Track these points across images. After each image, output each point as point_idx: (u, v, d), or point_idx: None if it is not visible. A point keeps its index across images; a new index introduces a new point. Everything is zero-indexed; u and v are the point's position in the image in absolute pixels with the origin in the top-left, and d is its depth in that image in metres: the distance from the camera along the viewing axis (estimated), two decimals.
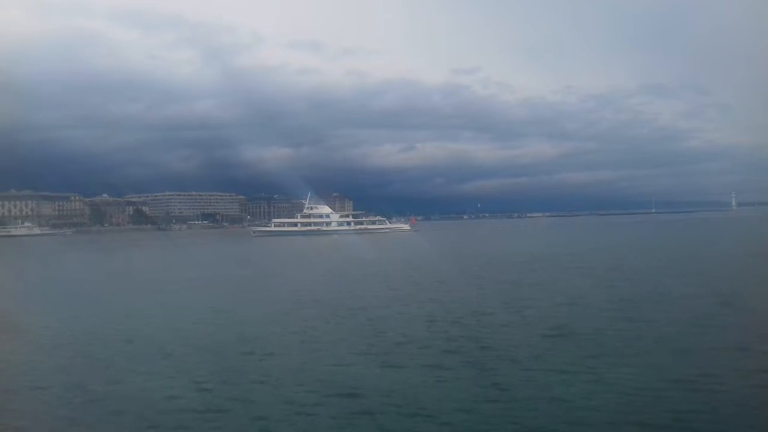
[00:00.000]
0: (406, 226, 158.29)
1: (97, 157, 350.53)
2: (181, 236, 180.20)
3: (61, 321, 25.70)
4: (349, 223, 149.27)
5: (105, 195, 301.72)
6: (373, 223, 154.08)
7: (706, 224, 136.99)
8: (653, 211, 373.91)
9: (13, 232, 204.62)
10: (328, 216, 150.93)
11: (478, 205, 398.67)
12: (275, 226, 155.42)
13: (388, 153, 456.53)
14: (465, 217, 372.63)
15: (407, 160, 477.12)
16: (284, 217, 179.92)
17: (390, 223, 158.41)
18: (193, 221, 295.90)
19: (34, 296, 34.62)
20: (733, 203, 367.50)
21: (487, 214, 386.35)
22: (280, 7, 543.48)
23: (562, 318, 22.88)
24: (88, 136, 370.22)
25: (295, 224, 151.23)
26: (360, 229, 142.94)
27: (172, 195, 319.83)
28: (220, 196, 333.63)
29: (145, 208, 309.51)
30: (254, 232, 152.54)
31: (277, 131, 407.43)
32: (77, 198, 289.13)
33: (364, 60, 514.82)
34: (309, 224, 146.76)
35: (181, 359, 18.10)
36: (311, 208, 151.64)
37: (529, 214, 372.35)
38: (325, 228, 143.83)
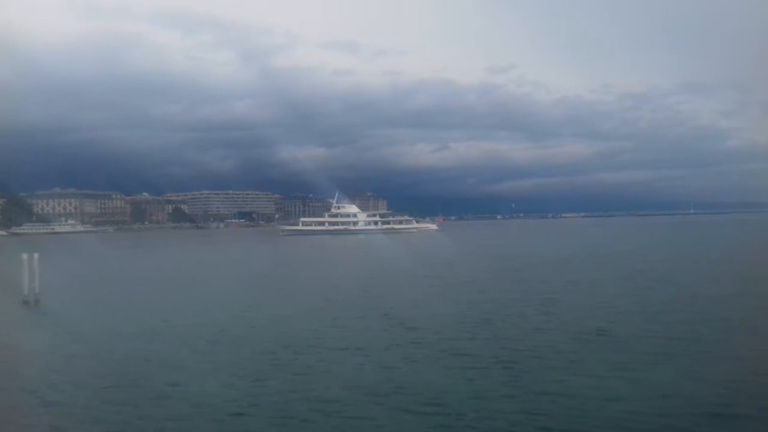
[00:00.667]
0: (434, 226, 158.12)
1: (138, 157, 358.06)
2: (219, 234, 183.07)
3: (109, 316, 26.82)
4: (376, 223, 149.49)
5: (145, 193, 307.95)
6: (400, 222, 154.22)
7: (745, 226, 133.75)
8: (691, 212, 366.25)
9: (57, 229, 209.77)
10: (355, 215, 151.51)
11: (512, 206, 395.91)
12: (303, 225, 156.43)
13: (421, 153, 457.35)
14: (498, 217, 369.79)
15: (441, 159, 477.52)
16: (318, 216, 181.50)
17: (417, 222, 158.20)
18: (230, 219, 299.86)
19: (87, 293, 35.90)
20: None
21: (521, 215, 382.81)
22: (316, 9, 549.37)
23: (593, 322, 23.04)
24: (129, 136, 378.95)
25: (323, 223, 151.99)
26: (387, 228, 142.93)
27: (209, 194, 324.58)
28: (256, 195, 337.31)
29: (183, 207, 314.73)
30: (282, 231, 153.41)
31: (312, 131, 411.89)
32: (119, 196, 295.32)
33: (399, 60, 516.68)
34: (336, 223, 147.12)
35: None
36: (338, 208, 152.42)
37: (563, 215, 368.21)
38: (352, 227, 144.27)
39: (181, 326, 23.67)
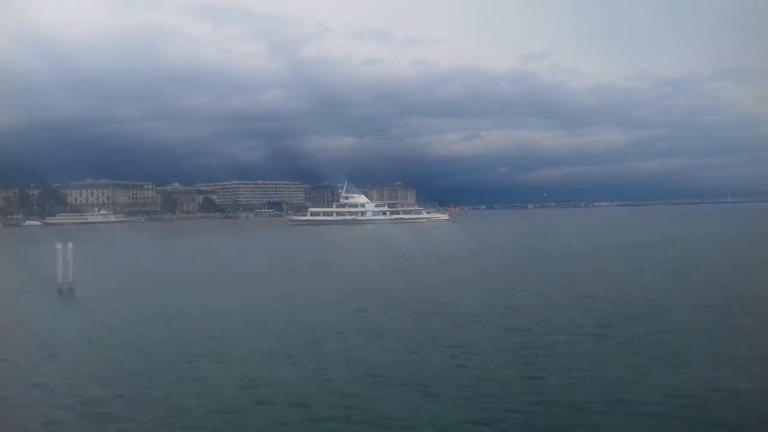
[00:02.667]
0: (444, 216, 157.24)
1: (169, 148, 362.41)
2: (248, 224, 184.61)
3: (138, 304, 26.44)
4: (384, 213, 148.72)
5: (176, 184, 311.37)
6: (410, 212, 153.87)
7: None
8: (728, 200, 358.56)
9: (90, 219, 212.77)
10: (363, 205, 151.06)
11: (544, 194, 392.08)
12: (311, 215, 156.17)
13: (451, 142, 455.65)
14: (530, 206, 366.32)
15: (471, 148, 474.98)
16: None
17: (427, 212, 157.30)
18: (260, 209, 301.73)
19: (119, 282, 35.66)
20: None
21: (552, 204, 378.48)
22: None
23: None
24: (161, 127, 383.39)
25: (331, 213, 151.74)
26: (395, 218, 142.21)
27: (239, 184, 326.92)
28: (285, 184, 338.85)
29: (213, 197, 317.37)
30: (291, 221, 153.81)
31: (341, 121, 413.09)
32: (150, 186, 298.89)
33: (431, 49, 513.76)
34: (344, 213, 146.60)
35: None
36: (347, 198, 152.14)
37: (596, 204, 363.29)
38: (360, 217, 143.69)
39: (210, 314, 23.53)
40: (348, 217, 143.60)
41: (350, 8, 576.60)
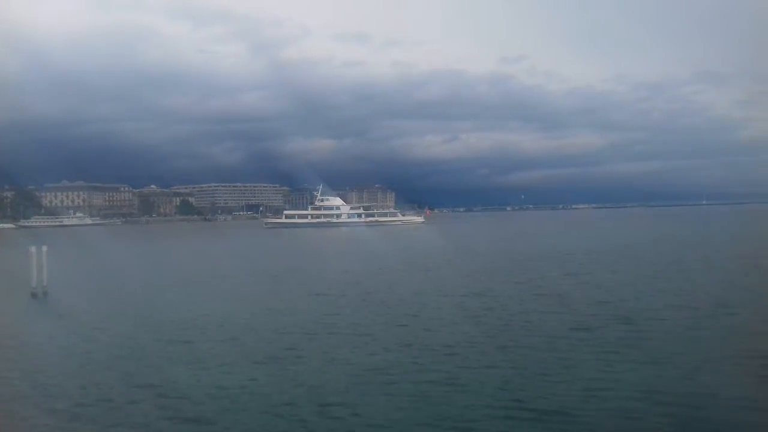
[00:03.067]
0: (419, 219, 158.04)
1: (147, 149, 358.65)
2: (225, 226, 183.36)
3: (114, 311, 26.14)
4: (359, 215, 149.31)
5: (153, 186, 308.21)
6: (385, 215, 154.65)
7: (758, 217, 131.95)
8: (704, 202, 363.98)
9: (66, 221, 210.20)
10: (338, 208, 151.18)
11: (522, 197, 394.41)
12: (286, 217, 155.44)
13: (431, 144, 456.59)
14: (508, 208, 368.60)
15: (451, 150, 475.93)
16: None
17: (402, 215, 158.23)
18: (238, 212, 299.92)
19: (94, 286, 35.21)
20: None
21: (531, 206, 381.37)
22: (327, 0, 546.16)
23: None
24: (138, 128, 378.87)
25: (306, 216, 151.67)
26: (370, 221, 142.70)
27: (217, 186, 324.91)
28: (264, 187, 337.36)
29: (191, 199, 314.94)
30: (266, 223, 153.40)
31: (321, 123, 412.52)
32: (127, 189, 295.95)
33: (411, 51, 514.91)
34: (319, 216, 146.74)
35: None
36: (322, 200, 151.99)
37: (574, 206, 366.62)
38: (335, 220, 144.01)
39: (184, 319, 23.14)
40: (323, 220, 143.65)
41: (331, 10, 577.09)
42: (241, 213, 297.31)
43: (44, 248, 29.72)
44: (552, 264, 40.87)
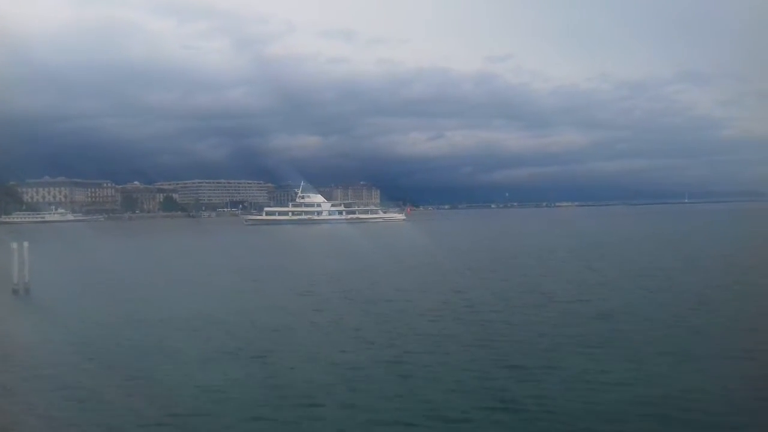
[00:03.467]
0: (401, 216, 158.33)
1: (130, 145, 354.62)
2: (209, 223, 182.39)
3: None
4: (340, 213, 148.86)
5: (136, 182, 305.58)
6: (366, 212, 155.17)
7: (738, 215, 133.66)
8: (686, 201, 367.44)
9: (47, 218, 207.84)
10: (319, 205, 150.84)
11: (506, 195, 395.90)
12: (267, 214, 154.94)
13: (416, 141, 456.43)
14: (493, 206, 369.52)
15: (436, 148, 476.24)
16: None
17: (384, 212, 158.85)
18: (222, 208, 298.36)
19: (76, 282, 35.00)
20: None
21: (515, 204, 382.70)
22: None
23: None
24: (121, 124, 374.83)
25: (287, 213, 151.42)
26: (351, 218, 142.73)
27: (201, 182, 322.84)
28: (248, 183, 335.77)
29: (175, 196, 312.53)
30: (246, 220, 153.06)
31: (307, 120, 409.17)
32: (109, 185, 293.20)
33: (396, 49, 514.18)
34: (300, 213, 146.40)
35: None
36: (303, 197, 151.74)
37: (557, 204, 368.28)
38: (316, 217, 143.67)
39: (165, 316, 23.17)
40: (304, 217, 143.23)
41: (316, 7, 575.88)
42: (225, 210, 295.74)
43: (26, 244, 29.38)
44: (533, 261, 41.26)
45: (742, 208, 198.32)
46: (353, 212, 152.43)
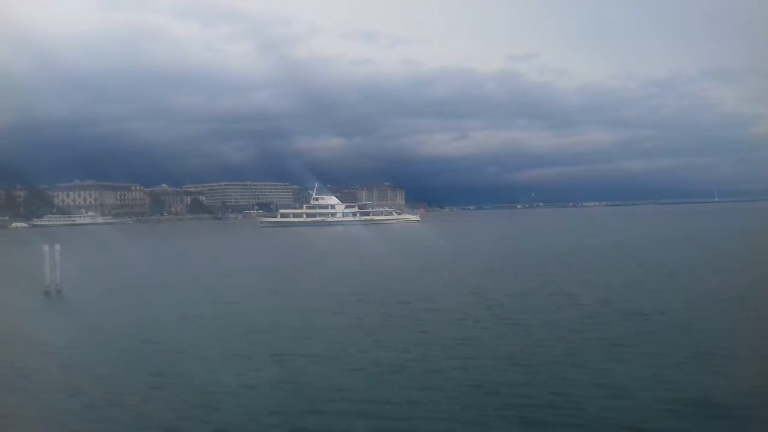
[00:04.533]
0: (415, 217, 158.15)
1: (157, 149, 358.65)
2: (234, 225, 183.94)
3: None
4: (354, 214, 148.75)
5: (164, 185, 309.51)
6: (380, 214, 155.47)
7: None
8: (716, 200, 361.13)
9: (78, 220, 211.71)
10: (333, 207, 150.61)
11: (532, 195, 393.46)
12: (281, 216, 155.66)
13: (440, 142, 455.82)
14: (518, 206, 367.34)
15: (460, 148, 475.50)
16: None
17: (398, 214, 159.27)
18: (248, 210, 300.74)
19: (107, 284, 35.56)
20: None
21: (541, 204, 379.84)
22: None
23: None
24: (148, 128, 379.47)
25: (301, 215, 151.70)
26: (366, 220, 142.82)
27: (228, 185, 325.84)
28: (274, 185, 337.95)
29: (202, 198, 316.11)
30: (261, 222, 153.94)
31: (330, 121, 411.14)
32: (138, 188, 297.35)
33: (419, 49, 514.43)
34: (314, 215, 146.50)
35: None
36: (317, 199, 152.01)
37: (584, 204, 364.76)
38: (330, 219, 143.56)
39: (198, 316, 23.48)
40: (318, 219, 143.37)
41: (340, 8, 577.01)
42: (251, 211, 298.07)
43: (57, 247, 29.94)
44: (548, 263, 40.97)
45: None
46: (367, 214, 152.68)
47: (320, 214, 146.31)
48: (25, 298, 29.30)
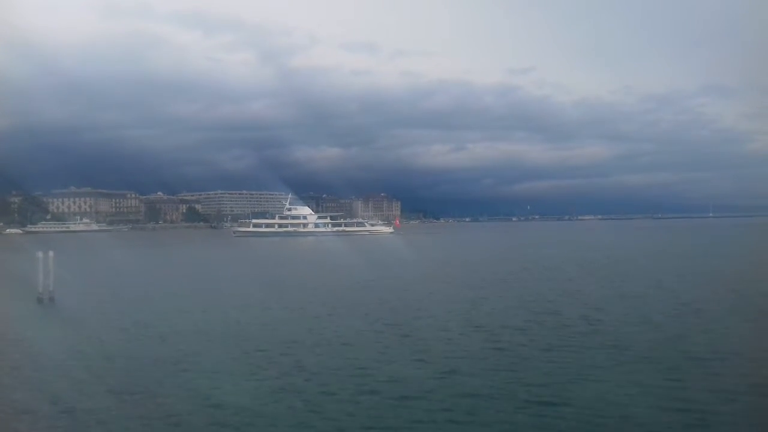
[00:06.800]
0: (388, 229, 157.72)
1: (154, 156, 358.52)
2: (228, 234, 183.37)
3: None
4: (326, 225, 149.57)
5: (160, 193, 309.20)
6: (352, 225, 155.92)
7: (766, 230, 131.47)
8: (711, 215, 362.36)
9: (72, 227, 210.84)
10: (305, 217, 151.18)
11: (528, 207, 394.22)
12: (254, 226, 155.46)
13: (437, 153, 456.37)
14: (514, 219, 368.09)
15: (457, 160, 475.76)
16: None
17: (371, 225, 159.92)
18: (244, 219, 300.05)
19: (100, 291, 35.39)
20: None
21: (537, 216, 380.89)
22: (336, 10, 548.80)
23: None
24: (145, 135, 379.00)
25: (273, 225, 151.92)
26: (338, 231, 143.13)
27: (224, 193, 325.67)
28: (270, 194, 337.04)
29: (197, 206, 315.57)
30: (235, 232, 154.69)
31: (328, 131, 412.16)
32: (133, 196, 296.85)
33: (419, 61, 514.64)
34: (286, 225, 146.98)
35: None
36: (290, 209, 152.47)
37: (580, 217, 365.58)
38: (302, 229, 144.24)
39: (186, 327, 23.26)
40: (290, 229, 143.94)
41: (341, 20, 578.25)
42: (247, 220, 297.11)
43: (51, 254, 29.74)
44: (511, 278, 40.95)
45: None
46: (339, 224, 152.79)
47: (292, 225, 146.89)
48: (17, 305, 29.07)
